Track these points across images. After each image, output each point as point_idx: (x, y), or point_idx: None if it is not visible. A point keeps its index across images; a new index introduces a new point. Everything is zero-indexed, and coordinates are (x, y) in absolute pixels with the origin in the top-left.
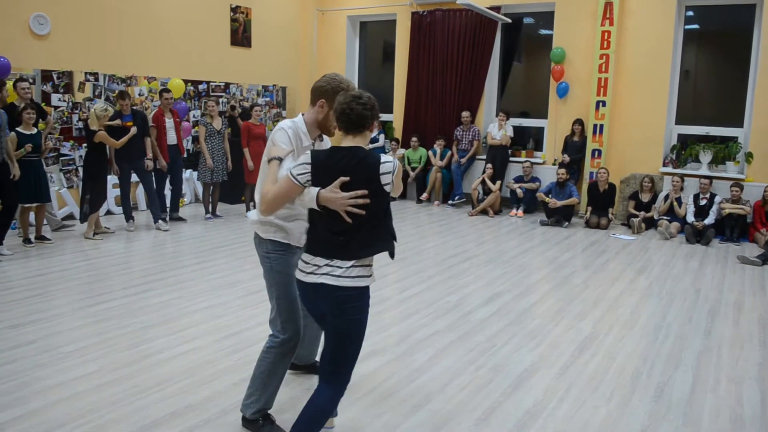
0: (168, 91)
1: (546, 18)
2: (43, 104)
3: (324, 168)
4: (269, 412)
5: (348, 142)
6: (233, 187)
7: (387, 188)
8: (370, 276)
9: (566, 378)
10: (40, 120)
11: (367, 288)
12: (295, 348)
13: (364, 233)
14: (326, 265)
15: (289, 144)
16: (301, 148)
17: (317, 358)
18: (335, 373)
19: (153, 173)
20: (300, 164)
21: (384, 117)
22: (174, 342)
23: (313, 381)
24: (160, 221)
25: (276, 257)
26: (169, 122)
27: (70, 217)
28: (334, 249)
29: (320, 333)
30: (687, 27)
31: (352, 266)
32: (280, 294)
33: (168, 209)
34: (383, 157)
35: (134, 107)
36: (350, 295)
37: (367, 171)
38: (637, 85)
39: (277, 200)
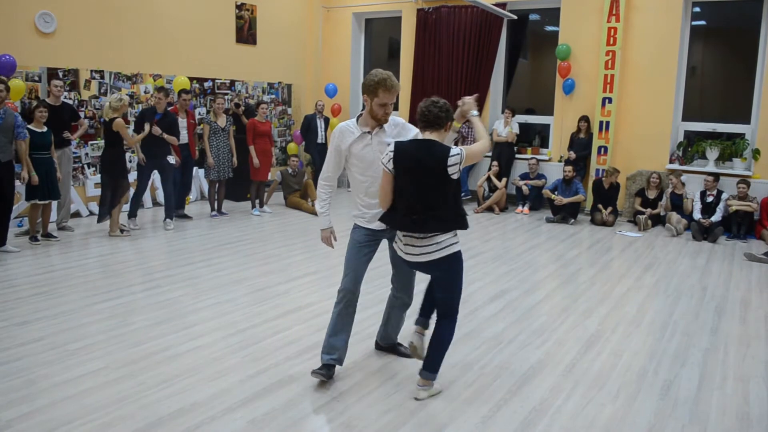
0: (187, 92)
1: (552, 14)
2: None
3: (402, 154)
4: (332, 363)
5: (426, 136)
6: (239, 185)
7: (453, 176)
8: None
9: (572, 375)
10: (72, 121)
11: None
12: (347, 303)
13: (437, 214)
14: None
15: (333, 143)
16: (346, 142)
17: (400, 341)
18: (450, 311)
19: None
20: (387, 153)
21: None
22: (180, 339)
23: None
24: (167, 220)
25: (353, 230)
26: (183, 122)
27: (77, 214)
28: (413, 226)
29: (403, 318)
30: (693, 23)
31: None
32: (346, 257)
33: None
34: (452, 150)
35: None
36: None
37: (436, 161)
38: (644, 81)
39: (383, 192)
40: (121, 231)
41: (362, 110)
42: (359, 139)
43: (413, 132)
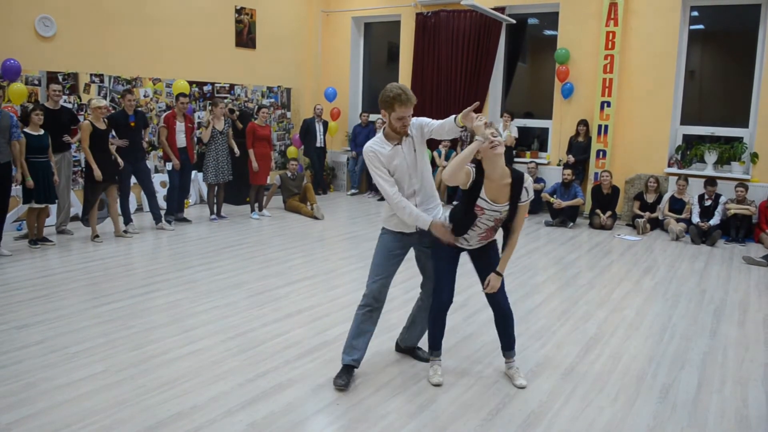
0: (185, 95)
1: (550, 18)
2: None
3: None
4: (352, 365)
5: None
6: (238, 189)
7: None
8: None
9: (571, 379)
10: (72, 125)
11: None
12: (372, 309)
13: None
14: None
15: (372, 164)
16: (384, 155)
17: (420, 346)
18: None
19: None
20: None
21: None
22: (180, 343)
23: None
24: (163, 222)
25: (382, 235)
26: (180, 125)
27: (76, 218)
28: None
29: (426, 327)
30: (692, 27)
31: None
32: (374, 262)
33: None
34: None
35: (138, 108)
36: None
37: None
38: (642, 85)
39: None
40: (125, 232)
41: (383, 128)
42: (392, 153)
43: (425, 121)
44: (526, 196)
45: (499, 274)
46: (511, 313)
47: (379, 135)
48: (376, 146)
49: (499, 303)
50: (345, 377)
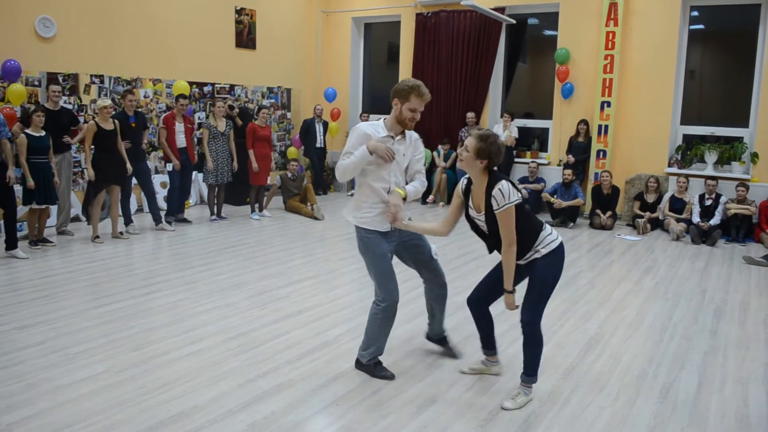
0: (184, 97)
1: (550, 19)
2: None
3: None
4: (380, 358)
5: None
6: (238, 189)
7: None
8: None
9: (572, 378)
10: (72, 126)
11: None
12: (393, 313)
13: None
14: None
15: (356, 134)
16: (370, 137)
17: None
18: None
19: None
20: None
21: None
22: (180, 343)
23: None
24: (163, 222)
25: (364, 238)
26: (180, 126)
27: (77, 219)
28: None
29: (444, 306)
30: (692, 27)
31: None
32: (376, 268)
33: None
34: None
35: (138, 109)
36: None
37: None
38: (642, 85)
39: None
40: (120, 234)
41: (384, 118)
42: (382, 141)
43: (421, 149)
44: (496, 205)
45: (509, 292)
46: (532, 336)
47: (379, 122)
48: (370, 129)
49: (522, 322)
50: (384, 369)
